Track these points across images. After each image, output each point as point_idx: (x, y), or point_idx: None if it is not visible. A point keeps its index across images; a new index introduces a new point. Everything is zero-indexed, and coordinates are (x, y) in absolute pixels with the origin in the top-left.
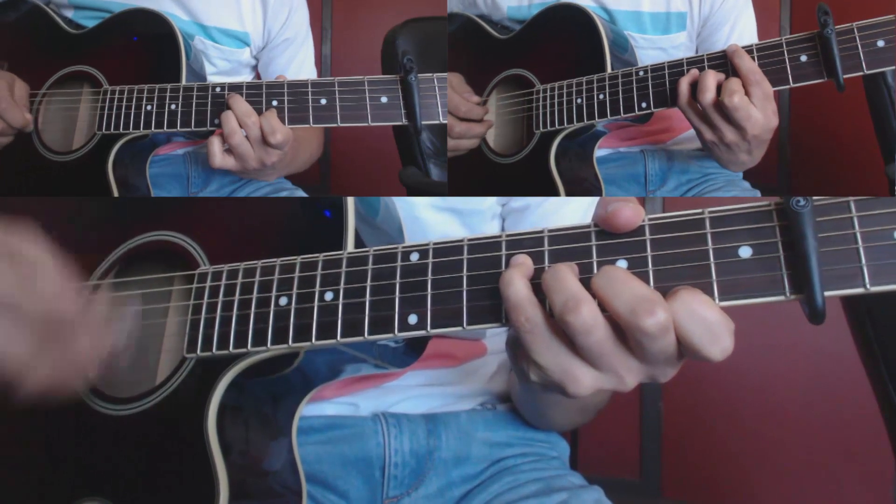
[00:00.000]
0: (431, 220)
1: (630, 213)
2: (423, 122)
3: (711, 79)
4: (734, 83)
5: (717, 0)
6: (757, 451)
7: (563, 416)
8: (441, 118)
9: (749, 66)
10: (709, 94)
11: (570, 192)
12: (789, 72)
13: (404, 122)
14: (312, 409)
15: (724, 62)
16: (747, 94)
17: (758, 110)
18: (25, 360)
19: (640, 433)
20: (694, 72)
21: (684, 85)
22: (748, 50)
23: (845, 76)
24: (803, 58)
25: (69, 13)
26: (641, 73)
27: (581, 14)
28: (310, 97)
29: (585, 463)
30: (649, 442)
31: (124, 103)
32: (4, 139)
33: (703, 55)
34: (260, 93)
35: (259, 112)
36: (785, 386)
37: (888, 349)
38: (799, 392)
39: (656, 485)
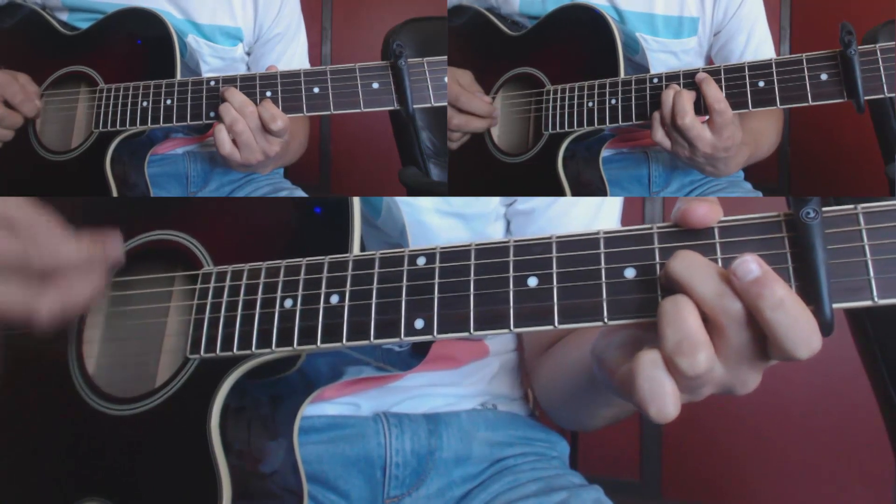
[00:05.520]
0: (436, 224)
1: (705, 209)
2: (415, 107)
3: (687, 100)
4: (687, 104)
5: (731, 8)
6: (757, 451)
7: (615, 416)
8: (432, 101)
9: (714, 95)
10: (677, 117)
11: (576, 195)
12: (808, 90)
13: (396, 106)
14: (313, 408)
15: (742, 73)
16: (710, 118)
17: (710, 133)
18: (27, 300)
19: (640, 433)
20: (675, 87)
21: (669, 99)
22: (767, 66)
23: (865, 98)
24: (823, 76)
25: (63, 16)
26: (656, 81)
27: (597, 16)
28: (303, 86)
29: (585, 463)
30: (649, 442)
31: (120, 100)
32: (9, 133)
33: (719, 66)
34: (254, 84)
35: (254, 103)
36: (785, 386)
37: (888, 349)
38: (799, 392)
39: (656, 485)
